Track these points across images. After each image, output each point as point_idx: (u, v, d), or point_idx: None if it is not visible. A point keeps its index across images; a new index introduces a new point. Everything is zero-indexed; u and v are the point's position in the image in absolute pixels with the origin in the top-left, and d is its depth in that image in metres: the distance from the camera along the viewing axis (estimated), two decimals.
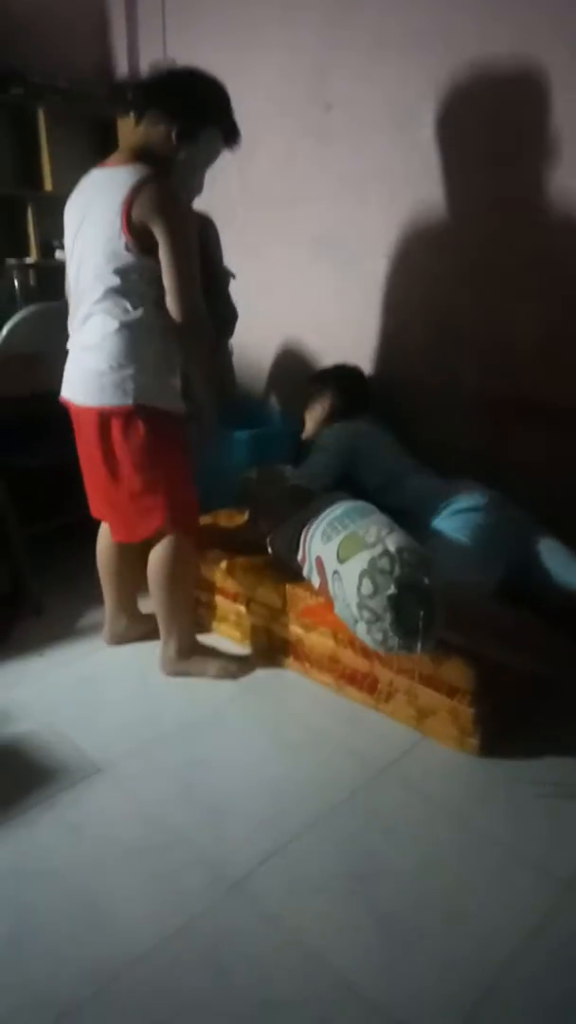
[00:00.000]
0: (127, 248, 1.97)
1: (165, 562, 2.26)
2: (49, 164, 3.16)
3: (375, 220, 2.71)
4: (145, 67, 3.21)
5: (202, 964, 1.50)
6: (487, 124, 2.35)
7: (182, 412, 2.14)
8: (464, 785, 1.98)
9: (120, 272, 2.00)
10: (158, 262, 1.97)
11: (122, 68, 3.32)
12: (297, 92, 2.78)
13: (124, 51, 3.30)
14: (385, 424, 2.69)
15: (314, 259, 2.92)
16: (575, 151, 2.21)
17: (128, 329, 2.04)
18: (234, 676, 2.40)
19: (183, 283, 1.97)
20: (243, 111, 2.94)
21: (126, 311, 2.03)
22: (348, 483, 2.38)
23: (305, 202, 2.90)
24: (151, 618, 2.61)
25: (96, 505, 2.36)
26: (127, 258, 1.99)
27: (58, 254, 3.19)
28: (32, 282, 3.21)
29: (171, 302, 1.99)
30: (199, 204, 3.27)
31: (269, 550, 2.49)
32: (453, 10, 2.32)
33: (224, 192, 3.16)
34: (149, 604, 2.55)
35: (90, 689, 2.37)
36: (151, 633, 2.55)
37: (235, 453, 2.93)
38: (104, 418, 2.11)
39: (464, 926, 1.58)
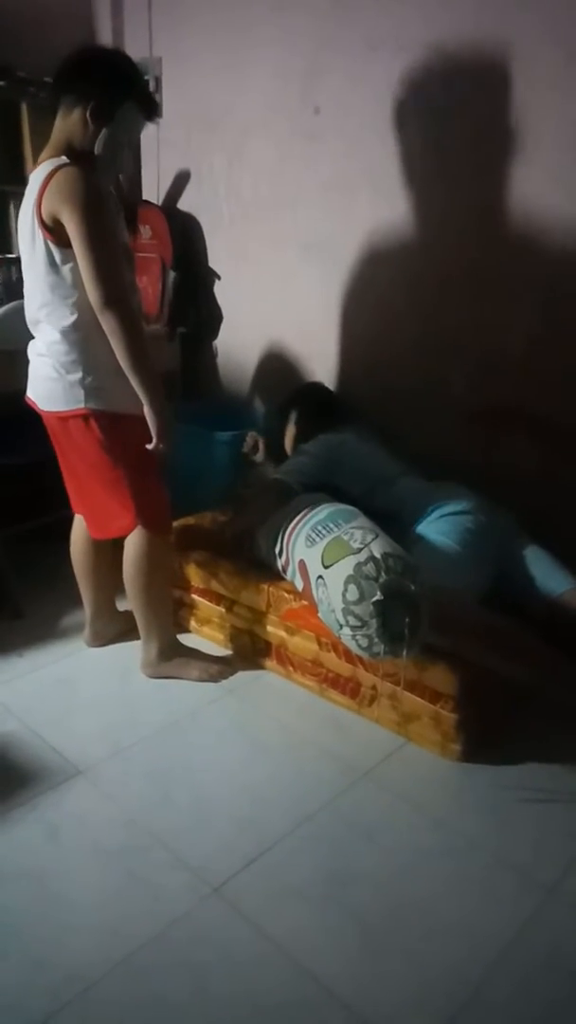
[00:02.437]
0: (47, 244, 1.93)
1: (137, 562, 2.24)
2: (32, 159, 3.13)
3: (363, 224, 2.70)
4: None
5: (181, 969, 1.48)
6: (477, 130, 2.35)
7: (138, 413, 2.06)
8: (446, 790, 1.98)
9: (51, 273, 1.96)
10: (47, 243, 1.92)
11: None
12: (286, 94, 2.77)
13: (110, 46, 3.28)
14: (370, 432, 2.69)
15: (301, 262, 2.91)
16: (562, 158, 2.21)
17: (71, 334, 2.01)
18: (216, 678, 2.39)
19: (96, 265, 1.87)
20: (232, 112, 2.95)
21: (65, 316, 1.99)
22: (333, 493, 2.37)
23: (293, 205, 2.88)
24: (129, 615, 2.60)
25: (72, 501, 2.37)
26: (51, 255, 1.94)
27: None
28: (15, 278, 3.18)
29: (87, 287, 1.90)
30: (186, 203, 3.28)
31: (237, 541, 2.47)
32: (444, 13, 2.32)
33: (211, 193, 3.16)
34: (126, 602, 2.55)
35: (70, 691, 2.35)
36: (130, 631, 2.53)
37: (218, 455, 2.91)
38: (63, 422, 2.11)
39: (446, 932, 1.58)
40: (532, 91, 2.22)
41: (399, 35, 2.43)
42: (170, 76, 3.13)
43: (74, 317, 1.99)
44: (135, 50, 3.18)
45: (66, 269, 1.95)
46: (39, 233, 1.93)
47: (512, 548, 2.22)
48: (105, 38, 3.27)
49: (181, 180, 3.25)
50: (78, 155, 1.95)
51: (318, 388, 2.90)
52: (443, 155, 2.44)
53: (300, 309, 2.98)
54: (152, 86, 3.11)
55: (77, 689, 2.36)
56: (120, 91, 1.95)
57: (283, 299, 3.04)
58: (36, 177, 1.95)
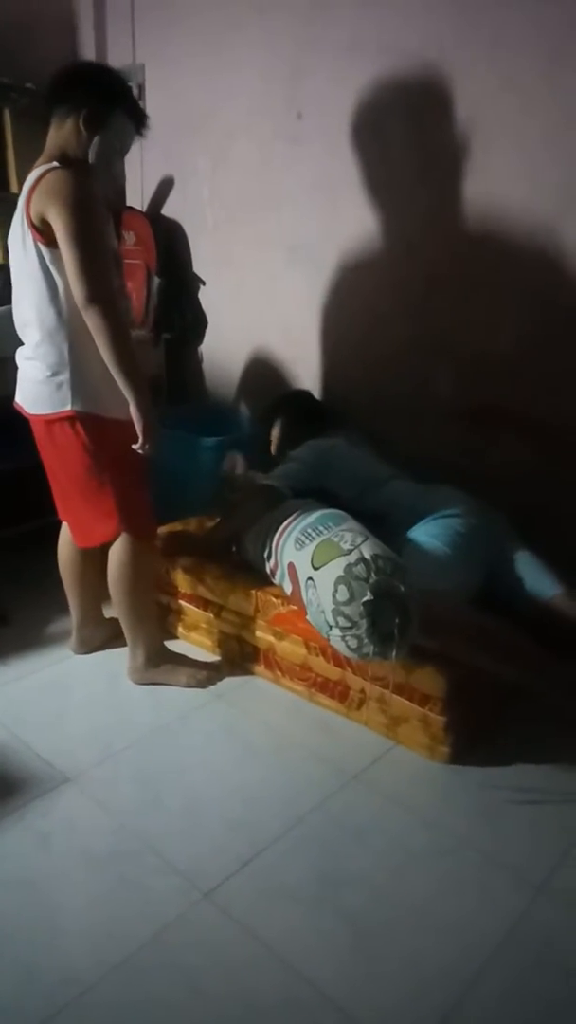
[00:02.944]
0: (36, 245, 1.95)
1: (121, 569, 2.24)
2: (15, 165, 3.13)
3: (348, 227, 2.71)
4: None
5: (174, 973, 1.48)
6: (460, 131, 2.37)
7: (125, 418, 2.07)
8: (436, 792, 1.98)
9: (41, 275, 1.97)
10: (37, 245, 1.94)
11: None
12: (269, 98, 2.78)
13: (92, 53, 3.28)
14: (361, 436, 2.71)
15: (286, 265, 2.92)
16: (545, 159, 2.23)
17: (57, 334, 2.02)
18: (204, 684, 2.38)
19: (81, 262, 1.88)
20: (215, 115, 2.96)
21: (53, 318, 2.01)
22: (324, 497, 2.38)
23: (278, 208, 2.89)
24: (116, 622, 2.59)
25: (59, 509, 2.36)
26: (41, 256, 1.95)
27: None
28: (1, 284, 3.17)
29: (72, 284, 1.91)
30: (170, 209, 3.28)
31: (233, 548, 2.48)
32: (422, 15, 2.34)
33: (196, 197, 3.16)
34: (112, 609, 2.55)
35: (57, 698, 2.34)
36: (116, 637, 2.53)
37: (204, 459, 2.91)
38: (48, 426, 2.11)
39: (437, 932, 1.58)
40: (515, 92, 2.24)
41: (379, 38, 2.44)
42: (153, 81, 3.13)
43: (61, 319, 2.00)
44: (118, 56, 3.19)
45: (54, 270, 1.96)
46: (29, 234, 1.95)
47: (502, 551, 2.23)
48: (88, 44, 3.28)
49: (165, 186, 3.25)
50: (71, 161, 1.97)
51: (304, 395, 2.91)
52: (426, 157, 2.46)
53: (285, 312, 2.99)
54: (136, 93, 3.11)
55: (64, 696, 2.35)
56: (111, 99, 2.00)
57: (268, 303, 3.04)
58: (27, 182, 1.97)
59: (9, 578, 2.82)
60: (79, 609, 2.50)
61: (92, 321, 1.92)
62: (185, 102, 3.04)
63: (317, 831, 1.83)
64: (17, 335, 2.15)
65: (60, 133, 2.01)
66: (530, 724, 2.19)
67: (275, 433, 2.75)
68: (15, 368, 2.17)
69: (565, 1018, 1.44)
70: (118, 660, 2.46)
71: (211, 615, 2.52)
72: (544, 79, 2.18)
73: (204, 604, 2.53)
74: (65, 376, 2.04)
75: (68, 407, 2.05)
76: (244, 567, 2.44)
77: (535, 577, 2.17)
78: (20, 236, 2.00)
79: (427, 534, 2.21)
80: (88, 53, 3.28)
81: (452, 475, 2.45)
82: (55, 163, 1.94)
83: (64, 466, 2.17)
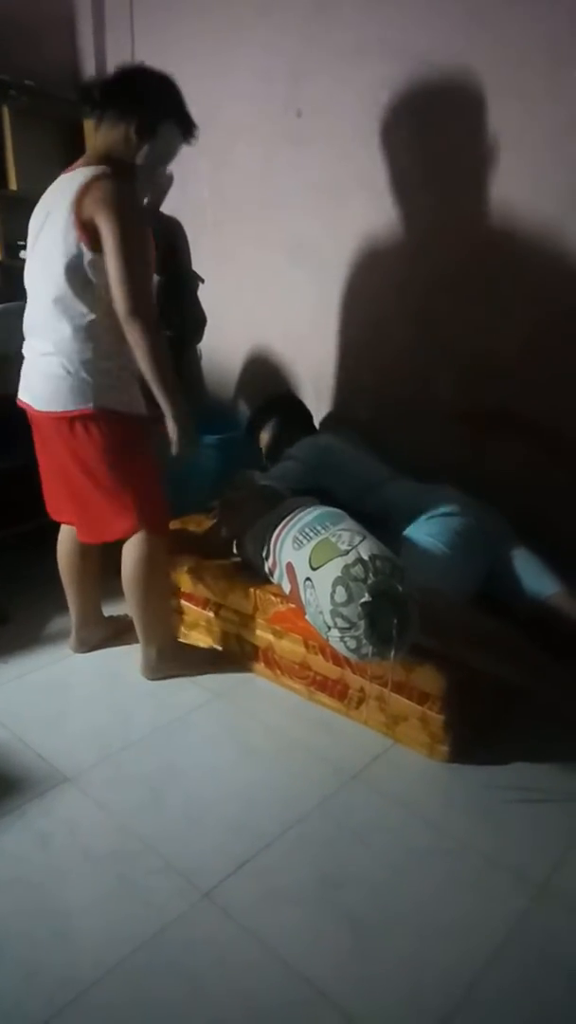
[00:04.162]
0: (79, 245, 1.96)
1: (138, 564, 2.24)
2: (15, 164, 3.13)
3: (351, 228, 2.71)
4: (112, 68, 3.20)
5: (174, 974, 1.48)
6: (464, 135, 2.37)
7: (144, 413, 2.11)
8: (435, 791, 1.98)
9: (74, 272, 1.98)
10: (78, 245, 1.97)
11: (89, 69, 3.29)
12: (271, 97, 2.78)
13: (91, 51, 3.27)
14: (358, 435, 2.70)
15: (288, 266, 2.92)
16: (550, 163, 2.23)
17: (84, 332, 2.03)
18: (214, 670, 2.43)
19: (130, 276, 1.93)
20: (217, 115, 2.95)
21: (82, 315, 2.02)
22: (322, 496, 2.37)
23: (279, 208, 2.89)
24: (115, 621, 2.60)
25: (57, 507, 2.34)
26: (80, 256, 1.97)
27: (23, 254, 3.15)
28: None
29: (116, 294, 1.95)
30: (169, 207, 3.27)
31: (234, 550, 2.48)
32: (426, 18, 2.33)
33: (196, 196, 3.15)
34: (111, 608, 2.54)
35: (57, 697, 2.34)
36: (116, 636, 2.54)
37: (203, 458, 2.91)
38: (65, 423, 2.10)
39: (438, 932, 1.58)
40: (517, 96, 2.23)
41: (382, 40, 2.44)
42: None
43: (92, 316, 2.01)
44: (117, 56, 3.18)
45: (92, 270, 1.98)
46: (73, 233, 1.96)
47: (501, 550, 2.23)
48: (87, 44, 3.27)
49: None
50: (120, 168, 2.00)
51: (291, 395, 2.93)
52: (431, 159, 2.45)
53: (286, 312, 2.99)
54: None
55: (64, 695, 2.35)
56: (164, 109, 2.06)
57: (269, 302, 3.04)
58: (73, 180, 1.99)
59: (9, 577, 2.82)
60: (79, 609, 2.50)
61: (133, 334, 1.97)
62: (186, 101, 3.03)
63: (317, 830, 1.83)
64: (15, 332, 2.15)
65: (109, 136, 2.05)
66: (529, 723, 2.19)
67: (265, 437, 2.74)
68: (14, 366, 2.16)
69: (566, 1019, 1.44)
70: (118, 659, 2.46)
71: (211, 614, 2.52)
72: (546, 83, 2.18)
73: (204, 603, 2.53)
74: (88, 373, 2.04)
75: (90, 404, 2.05)
76: (243, 566, 2.44)
77: (534, 576, 2.17)
78: (58, 233, 1.99)
79: (426, 534, 2.21)
80: (87, 52, 3.28)
81: (454, 475, 2.45)
82: (106, 168, 1.97)
83: (81, 463, 2.15)
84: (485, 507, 2.33)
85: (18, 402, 2.20)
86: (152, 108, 2.04)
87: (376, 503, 2.40)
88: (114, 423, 2.10)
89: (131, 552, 2.25)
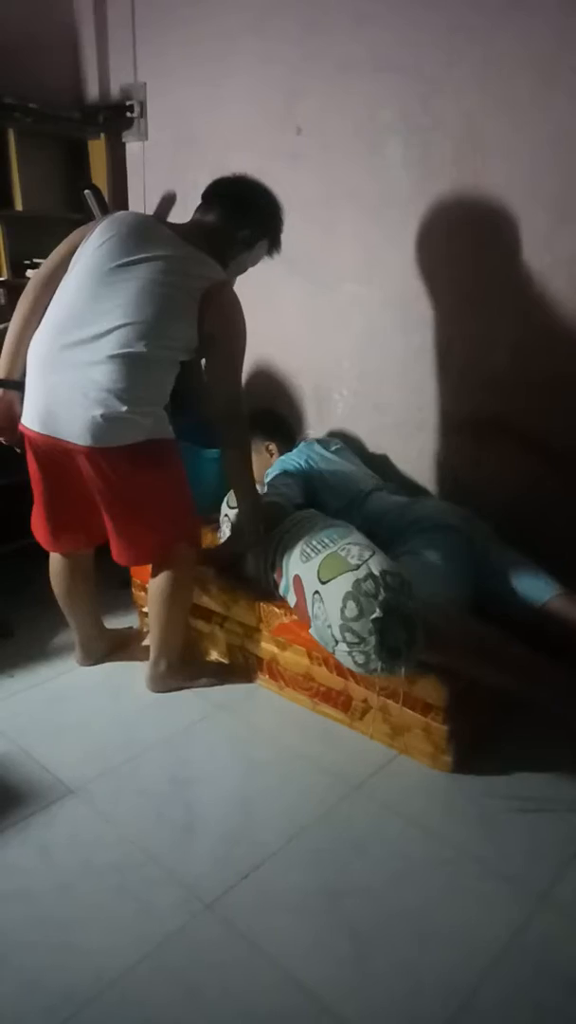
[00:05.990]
0: (187, 332, 2.05)
1: (170, 580, 2.28)
2: (19, 184, 3.17)
3: (347, 241, 2.73)
4: (116, 88, 3.25)
5: (176, 984, 1.48)
6: (456, 149, 2.39)
7: (172, 435, 2.15)
8: (438, 801, 1.98)
9: (162, 336, 2.00)
10: (196, 340, 2.08)
11: (93, 91, 3.33)
12: (269, 113, 2.81)
13: (95, 74, 3.32)
14: (347, 445, 2.71)
15: (285, 280, 2.93)
16: (542, 174, 2.25)
17: (147, 380, 2.02)
18: (220, 682, 2.45)
19: (230, 382, 2.17)
20: (215, 132, 2.99)
21: (138, 345, 1.97)
22: (314, 506, 2.39)
23: None
24: (118, 634, 2.61)
25: (60, 536, 2.32)
26: (181, 338, 2.06)
27: (28, 273, 3.18)
28: (3, 300, 3.20)
29: (216, 394, 2.15)
30: (170, 219, 3.28)
31: (235, 561, 2.48)
32: (417, 34, 2.36)
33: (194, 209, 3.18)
34: (112, 622, 2.56)
35: (61, 710, 2.34)
36: (120, 648, 2.55)
37: (205, 471, 2.93)
38: (110, 455, 2.02)
39: (438, 941, 1.58)
40: (506, 109, 2.25)
41: (375, 56, 2.47)
42: (154, 99, 3.16)
43: (146, 351, 1.98)
44: (120, 75, 3.22)
45: (182, 344, 2.07)
46: (190, 322, 2.05)
47: (491, 559, 2.22)
48: (90, 64, 3.31)
49: (167, 201, 3.27)
50: (217, 254, 2.14)
51: (266, 409, 2.96)
52: (425, 173, 2.47)
53: (284, 326, 3.00)
54: (137, 111, 3.16)
55: (68, 708, 2.36)
56: (269, 231, 2.28)
57: (267, 315, 3.05)
58: (195, 260, 2.08)
59: (13, 590, 2.84)
60: (81, 627, 2.51)
61: (228, 434, 2.21)
62: (185, 119, 3.07)
63: (319, 842, 1.84)
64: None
65: (219, 225, 2.19)
66: (532, 733, 2.18)
67: (256, 457, 2.75)
68: (12, 385, 2.17)
69: None
70: (122, 672, 2.47)
71: (215, 626, 2.53)
72: (534, 96, 2.20)
73: (208, 614, 2.54)
74: (146, 409, 2.03)
75: (146, 436, 2.04)
76: (246, 579, 2.45)
77: (528, 582, 2.15)
78: (168, 300, 2.01)
79: (416, 546, 2.21)
80: (90, 72, 3.32)
81: (449, 485, 2.45)
82: (223, 273, 2.13)
83: (135, 487, 2.11)
84: (469, 517, 2.33)
85: (24, 428, 2.12)
86: (262, 226, 2.25)
87: (364, 515, 2.40)
88: (165, 448, 2.13)
89: (163, 565, 2.27)
